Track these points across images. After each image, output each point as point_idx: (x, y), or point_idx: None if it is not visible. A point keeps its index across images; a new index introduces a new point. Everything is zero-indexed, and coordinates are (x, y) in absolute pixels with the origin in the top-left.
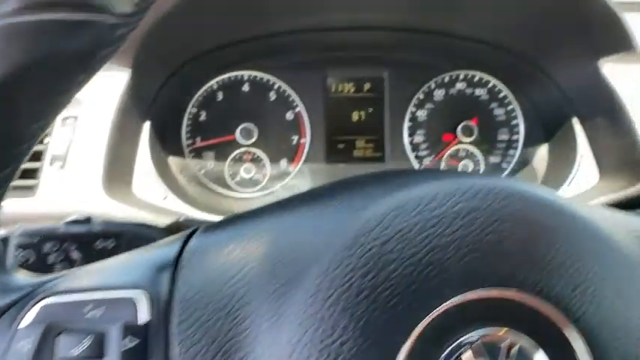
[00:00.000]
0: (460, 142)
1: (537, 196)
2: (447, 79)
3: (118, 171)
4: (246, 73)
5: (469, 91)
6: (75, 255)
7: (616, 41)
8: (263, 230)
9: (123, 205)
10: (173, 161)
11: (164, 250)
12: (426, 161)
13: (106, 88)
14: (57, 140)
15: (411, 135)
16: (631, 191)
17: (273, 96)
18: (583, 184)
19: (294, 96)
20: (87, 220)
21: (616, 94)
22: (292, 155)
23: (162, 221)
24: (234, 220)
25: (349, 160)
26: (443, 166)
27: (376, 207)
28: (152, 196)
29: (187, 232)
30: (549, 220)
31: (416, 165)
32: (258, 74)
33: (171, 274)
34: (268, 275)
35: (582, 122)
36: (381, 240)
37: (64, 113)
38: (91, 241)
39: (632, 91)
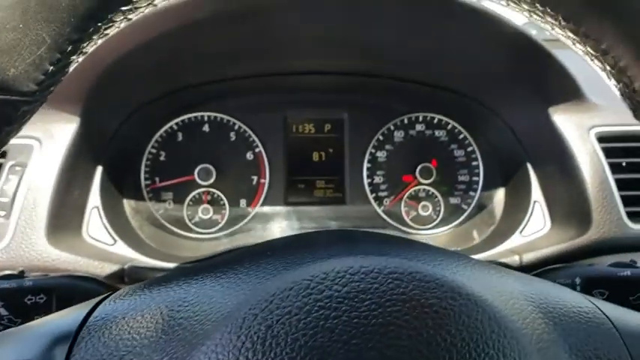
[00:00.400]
0: (419, 183)
1: (431, 276)
2: (405, 120)
3: (66, 217)
4: (206, 114)
5: (428, 132)
6: (3, 311)
7: (565, 90)
8: (161, 302)
9: (67, 253)
10: (129, 204)
11: (65, 320)
12: (386, 202)
13: (56, 135)
14: (3, 189)
15: (370, 176)
16: (578, 242)
17: (233, 136)
18: (535, 231)
19: (254, 136)
20: (20, 274)
21: (566, 142)
22: (252, 196)
23: (110, 269)
24: (139, 288)
25: (309, 200)
26: (403, 206)
27: (267, 286)
28: (102, 241)
29: (96, 300)
30: (441, 303)
31: (376, 206)
32: (219, 115)
33: (67, 348)
34: (160, 352)
35: (535, 168)
36: (267, 323)
37: (11, 161)
38: (22, 297)
39: (582, 140)
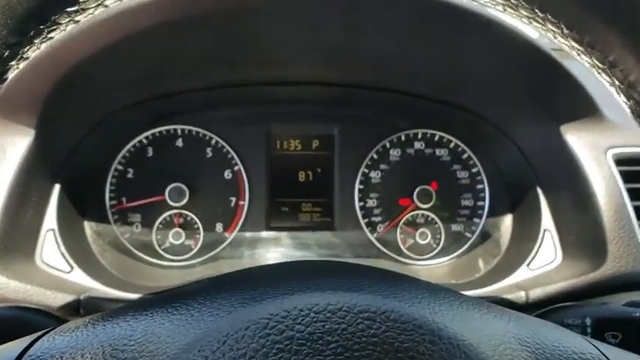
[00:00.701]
0: (418, 208)
1: (407, 316)
2: (403, 137)
3: (16, 241)
4: (180, 127)
5: (428, 151)
6: None
7: (580, 107)
8: (105, 340)
9: (16, 281)
10: (90, 226)
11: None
12: (380, 228)
13: (8, 149)
14: None
15: (363, 199)
16: (590, 278)
17: (209, 152)
18: (544, 264)
19: (232, 153)
20: None
21: (580, 165)
22: (229, 219)
23: (64, 299)
24: (83, 324)
25: (294, 225)
26: (398, 233)
27: (221, 325)
28: (57, 268)
29: (34, 335)
30: (418, 347)
31: (368, 232)
32: (194, 129)
33: None
34: None
35: (546, 193)
36: None
37: None
38: None
39: (598, 162)
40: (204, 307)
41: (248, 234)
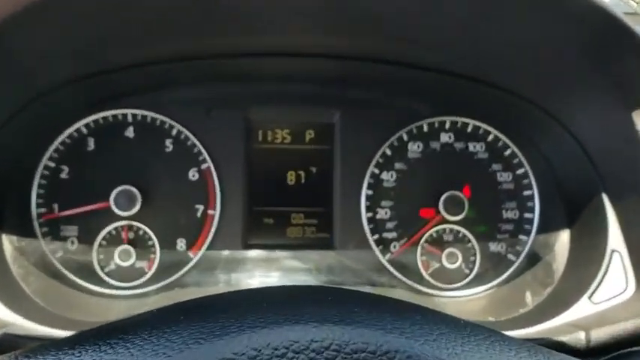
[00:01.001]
0: (445, 221)
1: (416, 358)
2: (425, 127)
3: None
4: (130, 112)
5: (459, 145)
6: None
7: None
8: None
9: None
10: (10, 241)
11: None
12: (394, 247)
13: None
14: None
15: (372, 208)
16: None
17: (169, 146)
18: (611, 296)
19: (199, 146)
20: None
21: None
22: (194, 234)
23: None
24: (48, 348)
25: (281, 243)
26: (419, 255)
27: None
28: None
29: None
30: None
31: (379, 253)
32: (149, 114)
33: None
34: None
35: (613, 201)
36: None
37: None
38: None
39: None
40: (148, 344)
41: (220, 254)
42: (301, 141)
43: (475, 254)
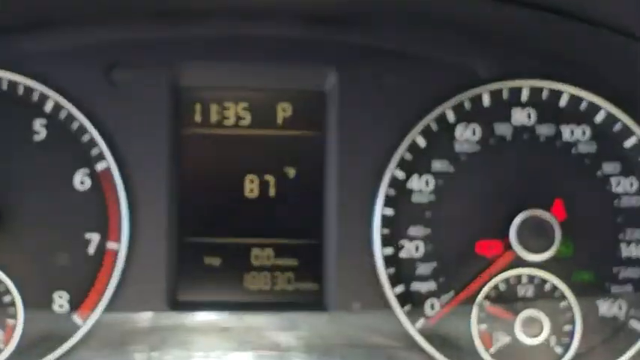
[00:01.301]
0: (520, 262)
1: None
2: (486, 99)
3: None
4: None
5: (545, 130)
6: None
7: None
8: None
9: None
10: None
11: None
12: (431, 309)
13: None
14: None
15: (392, 239)
16: None
17: (39, 131)
18: None
19: (92, 131)
20: None
21: None
22: (83, 286)
23: None
24: None
25: (233, 301)
26: (475, 321)
27: None
28: None
29: None
30: None
31: (403, 317)
32: (3, 76)
33: None
34: None
35: None
36: None
37: None
38: None
39: None
40: None
41: (129, 319)
42: (269, 123)
43: (573, 320)
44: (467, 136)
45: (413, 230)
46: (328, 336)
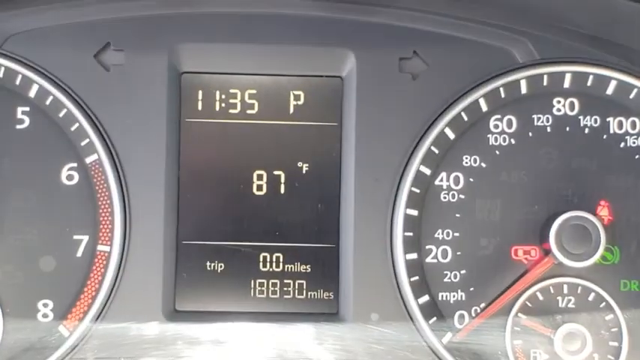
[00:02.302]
0: (561, 271)
1: None
2: (524, 86)
3: None
4: None
5: (589, 122)
6: None
7: None
8: None
9: None
10: None
11: None
12: (460, 322)
13: None
14: None
15: (416, 244)
16: None
17: (23, 118)
18: None
19: (81, 120)
20: None
21: None
22: (71, 293)
23: None
24: None
25: (237, 311)
26: (509, 335)
27: None
28: None
29: None
30: None
31: (430, 333)
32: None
33: None
34: None
35: None
36: None
37: None
38: None
39: None
40: None
41: (121, 330)
42: (280, 112)
43: (620, 336)
44: (500, 128)
45: (440, 233)
46: (343, 350)
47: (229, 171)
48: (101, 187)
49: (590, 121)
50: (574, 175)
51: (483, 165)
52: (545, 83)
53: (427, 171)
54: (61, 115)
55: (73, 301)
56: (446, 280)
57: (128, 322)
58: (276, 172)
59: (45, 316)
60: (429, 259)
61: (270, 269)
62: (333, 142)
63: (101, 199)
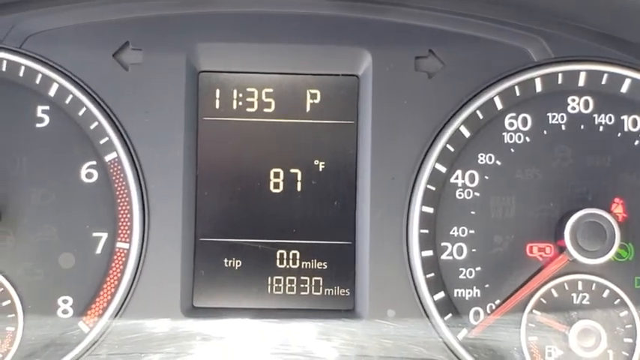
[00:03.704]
0: (575, 268)
1: None
2: (539, 84)
3: None
4: None
5: (603, 120)
6: None
7: None
8: None
9: None
10: None
11: None
12: (476, 318)
13: None
14: None
15: (431, 241)
16: None
17: (42, 117)
18: None
19: (100, 118)
20: None
21: None
22: (90, 289)
23: None
24: None
25: (254, 308)
26: (524, 331)
27: None
28: None
29: None
30: None
31: (445, 329)
32: (4, 56)
33: None
34: None
35: None
36: None
37: None
38: None
39: None
40: None
41: (139, 327)
42: (296, 110)
43: (634, 331)
44: (515, 126)
45: (455, 231)
46: (360, 346)
47: (246, 169)
48: (120, 184)
49: (605, 119)
50: (588, 172)
51: (498, 163)
52: (559, 82)
53: (442, 169)
54: (80, 113)
55: (93, 297)
56: (461, 277)
57: (147, 318)
58: (292, 170)
59: (65, 312)
60: (444, 256)
61: (287, 266)
62: (349, 140)
63: (120, 196)
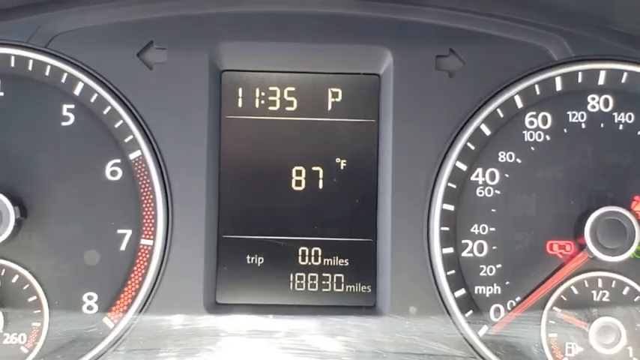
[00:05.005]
0: (596, 265)
1: None
2: (559, 83)
3: None
4: (13, 52)
5: (624, 119)
6: None
7: None
8: None
9: None
10: None
11: None
12: (497, 315)
13: None
14: None
15: (452, 239)
16: None
17: (68, 116)
18: None
19: (125, 117)
20: None
21: None
22: (114, 285)
23: None
24: None
25: (277, 304)
26: (544, 328)
27: None
28: None
29: None
30: None
31: (466, 326)
32: (31, 56)
33: None
34: None
35: None
36: None
37: None
38: None
39: None
40: None
41: (164, 322)
42: (318, 109)
43: None
44: (535, 124)
45: (476, 228)
46: (381, 342)
47: (269, 167)
48: (144, 182)
49: (625, 117)
50: (608, 170)
51: (519, 161)
52: (579, 80)
53: (463, 167)
54: (105, 112)
55: (117, 293)
56: (482, 274)
57: (170, 314)
58: (314, 168)
59: (90, 308)
60: (465, 254)
61: (309, 263)
62: (370, 138)
63: (144, 194)
